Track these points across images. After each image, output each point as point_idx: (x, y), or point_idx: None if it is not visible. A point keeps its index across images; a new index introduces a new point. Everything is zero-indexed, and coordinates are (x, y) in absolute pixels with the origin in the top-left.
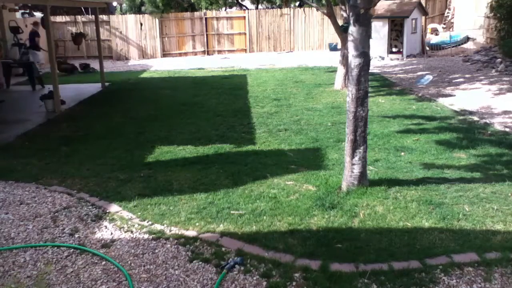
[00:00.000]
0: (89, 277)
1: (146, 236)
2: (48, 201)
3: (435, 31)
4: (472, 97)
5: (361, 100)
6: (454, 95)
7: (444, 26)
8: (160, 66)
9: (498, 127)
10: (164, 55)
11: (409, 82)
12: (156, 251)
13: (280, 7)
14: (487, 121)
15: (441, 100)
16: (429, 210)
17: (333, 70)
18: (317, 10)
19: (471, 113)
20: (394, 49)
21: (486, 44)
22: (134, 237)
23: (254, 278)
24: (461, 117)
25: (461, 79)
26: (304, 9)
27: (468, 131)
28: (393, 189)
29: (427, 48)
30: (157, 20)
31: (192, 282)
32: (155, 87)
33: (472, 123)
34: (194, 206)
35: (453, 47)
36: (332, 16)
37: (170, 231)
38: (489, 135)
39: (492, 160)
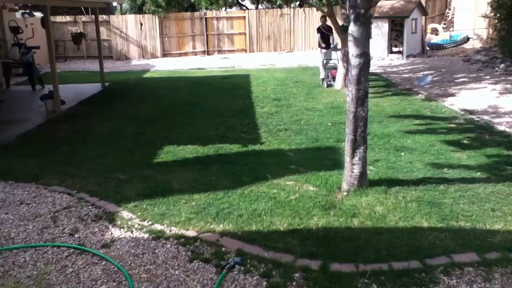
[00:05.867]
0: (89, 277)
1: (146, 236)
2: (48, 201)
3: (435, 31)
4: (472, 97)
5: (361, 100)
6: (455, 95)
7: (444, 26)
8: (160, 66)
9: (499, 127)
10: (164, 55)
11: (409, 82)
12: (156, 251)
13: (280, 7)
14: (488, 121)
15: (441, 100)
16: (429, 210)
17: None
18: (317, 10)
19: (471, 112)
20: (394, 49)
21: (486, 44)
22: (134, 237)
23: (254, 278)
24: (462, 117)
25: (462, 79)
26: (304, 9)
27: (468, 131)
28: (393, 189)
29: (427, 48)
30: (157, 20)
31: (192, 282)
32: (155, 87)
33: (473, 123)
34: (194, 206)
35: (453, 47)
36: (332, 16)
37: (170, 231)
38: (489, 135)
39: (493, 160)
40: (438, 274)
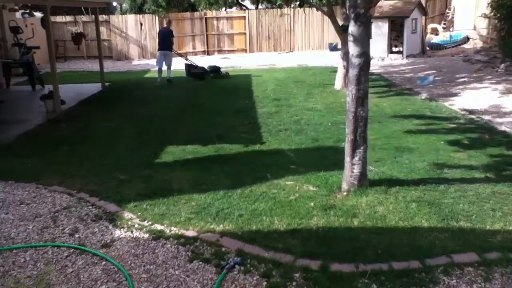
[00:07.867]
0: (89, 277)
1: (146, 236)
2: (48, 201)
3: (435, 31)
4: (473, 97)
5: (361, 100)
6: (455, 95)
7: (444, 26)
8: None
9: (500, 128)
10: None
11: (409, 82)
12: (156, 251)
13: (280, 7)
14: (489, 121)
15: (441, 100)
16: (429, 210)
17: (333, 70)
18: (317, 10)
19: (472, 112)
20: (394, 49)
21: (486, 44)
22: (134, 237)
23: (254, 278)
24: (462, 117)
25: (463, 79)
26: (304, 9)
27: (469, 131)
28: (393, 189)
29: (427, 48)
30: (157, 20)
31: (192, 282)
32: (155, 87)
33: (473, 123)
34: (194, 206)
35: (453, 47)
36: (332, 16)
37: (170, 231)
38: (490, 135)
39: (493, 161)
40: (438, 274)
